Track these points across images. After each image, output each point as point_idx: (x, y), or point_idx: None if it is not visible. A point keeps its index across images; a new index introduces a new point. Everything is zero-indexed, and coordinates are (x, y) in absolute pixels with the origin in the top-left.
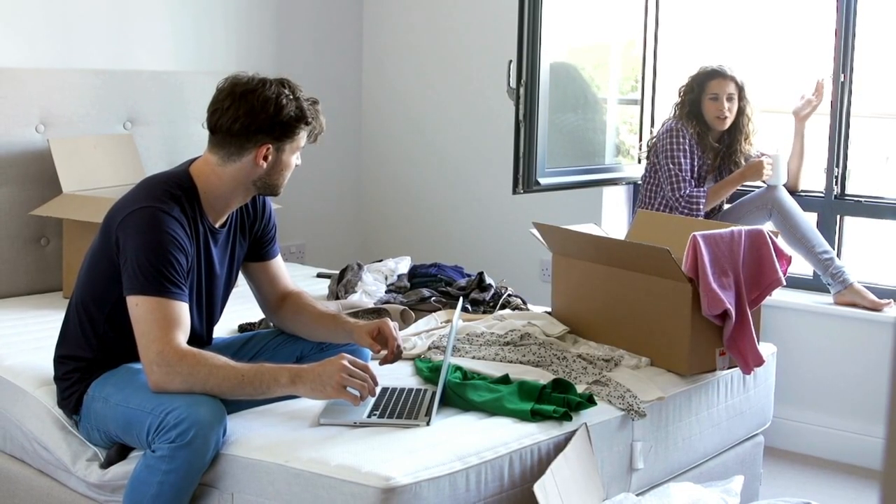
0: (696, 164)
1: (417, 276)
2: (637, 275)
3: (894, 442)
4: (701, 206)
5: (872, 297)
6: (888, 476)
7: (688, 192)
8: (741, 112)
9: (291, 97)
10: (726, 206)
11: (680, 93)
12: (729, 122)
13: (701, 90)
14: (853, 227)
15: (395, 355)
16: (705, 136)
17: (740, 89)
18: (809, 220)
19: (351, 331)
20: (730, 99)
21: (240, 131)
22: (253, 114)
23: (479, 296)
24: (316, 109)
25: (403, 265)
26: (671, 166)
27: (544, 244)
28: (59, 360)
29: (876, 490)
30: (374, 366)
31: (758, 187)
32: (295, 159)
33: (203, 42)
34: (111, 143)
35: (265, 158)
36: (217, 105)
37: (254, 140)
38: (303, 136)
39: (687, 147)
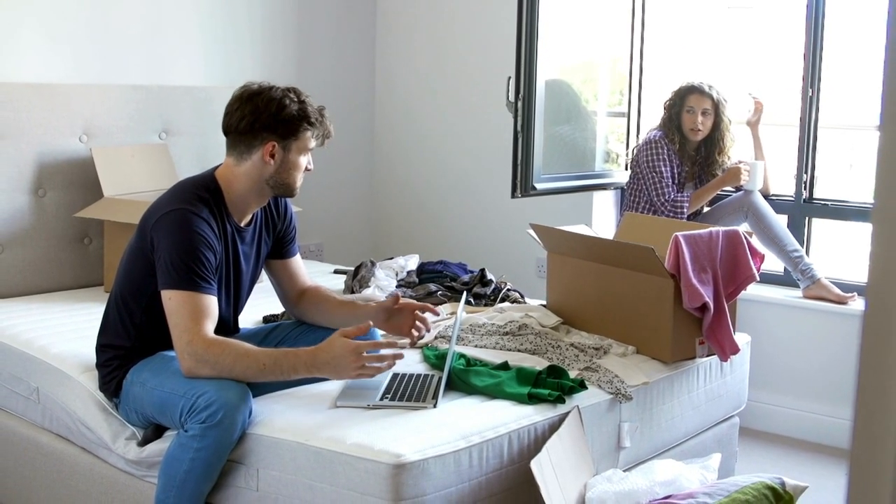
0: (675, 171)
1: (425, 272)
2: (624, 271)
3: (861, 423)
4: (685, 210)
5: (838, 291)
6: (856, 454)
7: (672, 197)
8: (717, 127)
9: (295, 99)
10: (706, 209)
11: (664, 105)
12: (702, 135)
13: (681, 103)
14: (820, 227)
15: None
16: (684, 146)
17: (716, 105)
18: (781, 221)
19: (367, 311)
20: (705, 113)
21: (245, 129)
22: (257, 112)
23: (481, 290)
24: (321, 114)
25: (412, 262)
26: (654, 175)
27: (540, 243)
28: (100, 348)
29: (842, 466)
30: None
31: (735, 191)
32: (304, 161)
33: (231, 60)
34: (148, 152)
35: (272, 156)
36: (228, 109)
37: (259, 138)
38: (308, 137)
39: (665, 157)
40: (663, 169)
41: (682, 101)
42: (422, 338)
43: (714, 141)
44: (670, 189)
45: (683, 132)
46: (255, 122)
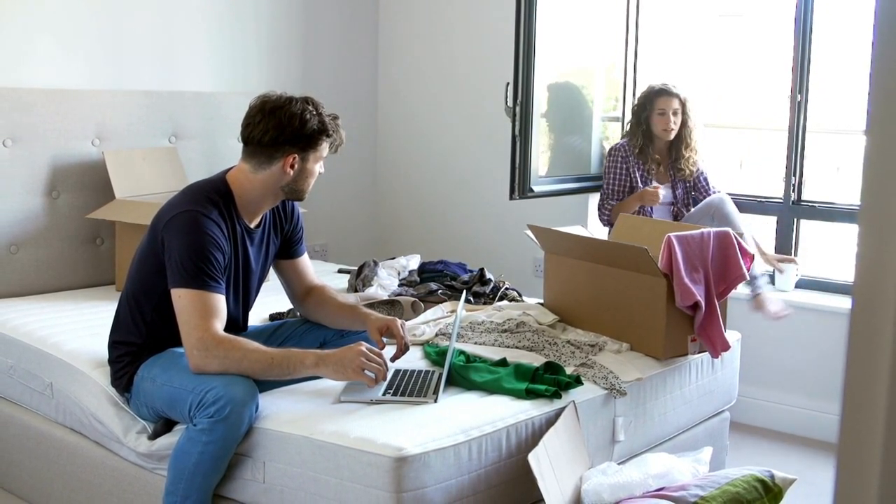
0: (632, 176)
1: (426, 271)
2: (618, 271)
3: (848, 418)
4: (605, 217)
5: (775, 309)
6: (843, 448)
7: (604, 204)
8: (684, 124)
9: (314, 112)
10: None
11: (632, 109)
12: (674, 134)
13: (651, 107)
14: (808, 229)
15: (402, 352)
16: (647, 149)
17: (683, 104)
18: (746, 228)
19: (364, 320)
20: (675, 114)
21: (269, 143)
22: (281, 128)
23: (480, 289)
24: (336, 124)
25: (414, 262)
26: (603, 183)
27: (537, 244)
28: (112, 345)
29: (829, 460)
30: (386, 355)
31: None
32: (318, 167)
33: (237, 67)
34: (158, 155)
35: (292, 167)
36: (249, 120)
37: (282, 151)
38: (325, 147)
39: (619, 165)
40: (611, 177)
41: (651, 104)
42: (406, 352)
43: (681, 138)
44: (607, 197)
45: (654, 134)
46: (279, 137)
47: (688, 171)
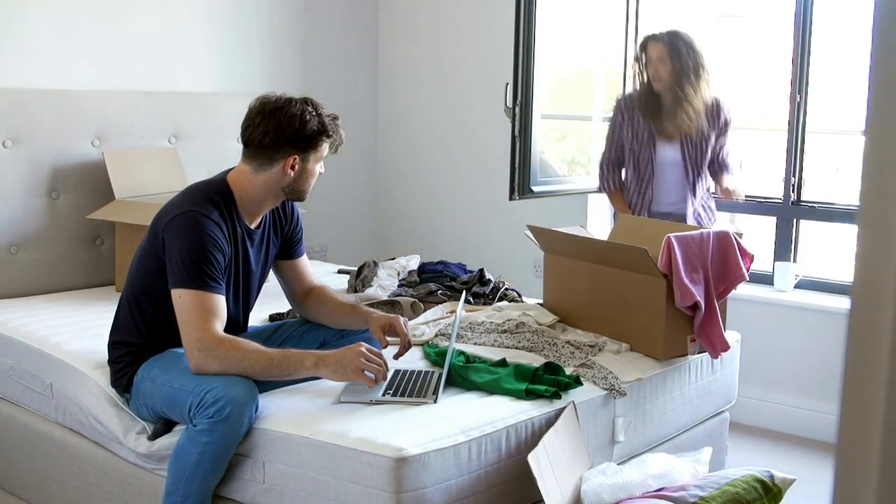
0: (623, 132)
1: (426, 272)
2: (618, 271)
3: (847, 418)
4: (601, 182)
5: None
6: (841, 448)
7: (603, 168)
8: (677, 75)
9: (314, 113)
10: None
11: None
12: (664, 84)
13: (644, 56)
14: (808, 229)
15: (405, 349)
16: (652, 103)
17: (670, 49)
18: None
19: (366, 319)
20: (662, 62)
21: (270, 144)
22: (281, 129)
23: (480, 289)
24: (336, 124)
25: (414, 262)
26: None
27: (537, 244)
28: (112, 345)
29: (828, 460)
30: (387, 354)
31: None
32: (319, 168)
33: (237, 67)
34: (158, 156)
35: (292, 168)
36: (249, 121)
37: (282, 152)
38: (325, 148)
39: (613, 118)
40: (607, 132)
41: (643, 53)
42: (409, 349)
43: (676, 92)
44: (605, 155)
45: (652, 86)
46: (279, 139)
47: (685, 126)
